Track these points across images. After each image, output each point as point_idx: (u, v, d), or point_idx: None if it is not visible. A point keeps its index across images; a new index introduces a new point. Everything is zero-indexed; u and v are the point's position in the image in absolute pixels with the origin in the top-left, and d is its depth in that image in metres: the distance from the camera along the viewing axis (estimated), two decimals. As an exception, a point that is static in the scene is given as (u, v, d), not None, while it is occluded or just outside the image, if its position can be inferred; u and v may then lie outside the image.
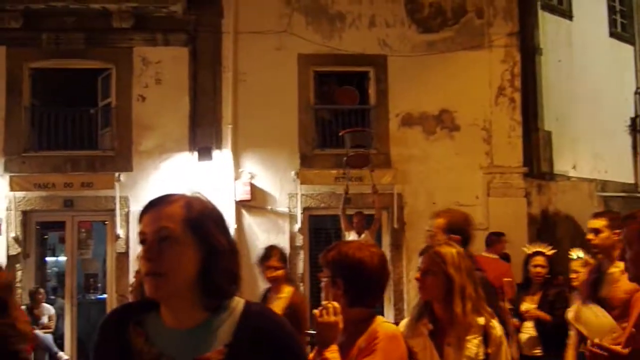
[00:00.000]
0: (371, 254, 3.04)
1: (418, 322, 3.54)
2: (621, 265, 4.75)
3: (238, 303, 2.07)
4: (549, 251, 7.31)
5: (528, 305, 7.10)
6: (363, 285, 3.00)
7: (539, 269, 7.21)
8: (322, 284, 3.12)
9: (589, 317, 3.75)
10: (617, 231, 4.85)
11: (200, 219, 2.00)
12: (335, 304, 2.84)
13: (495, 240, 9.78)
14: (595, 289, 4.93)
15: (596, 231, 4.96)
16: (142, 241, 2.00)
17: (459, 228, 4.37)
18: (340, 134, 11.52)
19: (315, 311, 2.86)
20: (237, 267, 2.07)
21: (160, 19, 12.24)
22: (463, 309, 3.39)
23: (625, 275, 4.65)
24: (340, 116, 12.63)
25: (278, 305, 6.03)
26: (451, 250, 3.54)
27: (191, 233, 1.98)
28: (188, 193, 2.09)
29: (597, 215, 5.16)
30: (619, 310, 4.68)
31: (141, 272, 2.00)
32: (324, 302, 2.89)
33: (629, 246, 2.89)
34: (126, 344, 2.02)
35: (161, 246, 1.96)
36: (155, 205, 2.04)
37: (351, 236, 10.81)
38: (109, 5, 11.84)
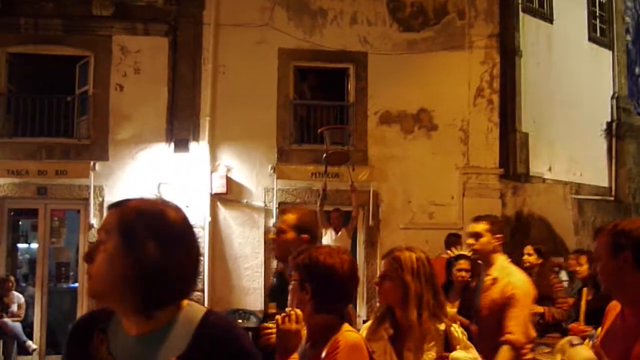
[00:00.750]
0: (342, 261, 3.03)
1: (380, 325, 3.55)
2: (493, 273, 4.75)
3: (197, 312, 2.01)
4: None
5: (449, 309, 7.15)
6: (331, 292, 3.00)
7: (462, 273, 7.23)
8: (289, 286, 3.12)
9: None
10: (498, 236, 4.83)
11: (132, 224, 1.94)
12: (298, 311, 2.84)
13: (454, 241, 9.86)
14: (475, 296, 4.94)
15: (477, 235, 4.84)
16: None
17: (308, 227, 4.19)
18: (319, 131, 11.53)
19: (278, 317, 2.86)
20: (180, 285, 1.98)
21: (141, 8, 12.14)
22: (419, 316, 3.39)
23: (495, 285, 4.65)
24: (319, 112, 12.63)
25: None
26: (411, 256, 3.52)
27: (121, 239, 1.92)
28: (150, 196, 2.07)
29: (478, 219, 5.01)
30: (484, 321, 4.68)
31: None
32: (287, 309, 2.88)
33: (598, 259, 2.92)
34: (91, 352, 2.01)
35: (98, 249, 1.95)
36: (111, 207, 2.03)
37: (327, 233, 10.83)
38: (89, -8, 11.73)
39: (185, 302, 2.02)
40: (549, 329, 7.43)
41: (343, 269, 3.01)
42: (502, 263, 4.78)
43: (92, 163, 11.75)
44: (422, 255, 3.58)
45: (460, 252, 7.47)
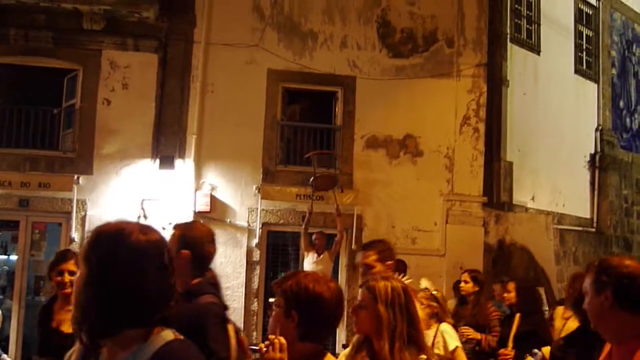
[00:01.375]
0: (330, 289, 3.01)
1: (357, 354, 3.52)
2: None
3: (159, 342, 1.99)
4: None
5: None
6: (318, 320, 2.98)
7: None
8: (272, 311, 3.10)
9: None
10: (389, 263, 4.73)
11: (92, 253, 2.01)
12: (282, 339, 2.82)
13: (401, 268, 9.82)
14: None
15: (367, 266, 4.65)
16: None
17: (192, 243, 3.89)
18: (306, 155, 11.56)
19: (262, 345, 2.84)
20: (132, 300, 1.96)
21: (132, 23, 12.14)
22: (391, 347, 3.36)
23: None
24: (306, 135, 12.66)
25: None
26: (386, 285, 3.49)
27: (86, 262, 2.00)
28: (129, 217, 2.11)
29: (366, 248, 4.85)
30: None
31: None
32: (271, 336, 2.87)
33: (586, 296, 2.94)
34: None
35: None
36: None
37: (309, 256, 10.82)
38: (81, 6, 11.72)
39: (157, 329, 2.00)
40: (485, 356, 7.45)
41: (331, 298, 3.00)
42: None
43: (75, 177, 11.69)
44: (398, 284, 3.54)
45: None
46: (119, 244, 2.00)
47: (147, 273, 1.98)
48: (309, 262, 10.74)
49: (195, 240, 3.95)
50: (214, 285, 3.98)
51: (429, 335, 5.82)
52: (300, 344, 2.93)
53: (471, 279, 8.09)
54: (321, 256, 10.82)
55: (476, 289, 8.02)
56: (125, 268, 1.96)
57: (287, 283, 3.03)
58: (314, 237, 10.94)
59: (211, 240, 4.06)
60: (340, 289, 3.13)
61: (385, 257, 4.68)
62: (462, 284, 8.15)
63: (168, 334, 2.01)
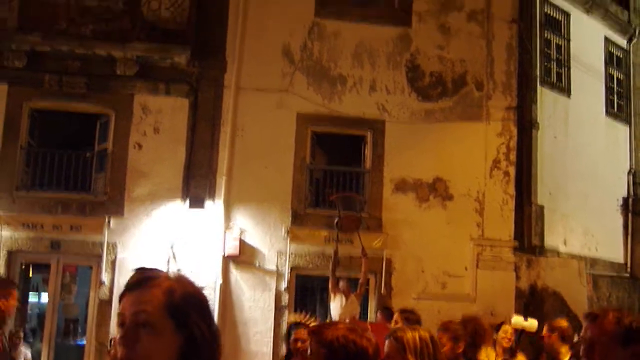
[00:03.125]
0: (372, 344, 3.00)
1: None
2: None
3: None
4: (311, 323, 7.10)
5: None
6: None
7: (299, 343, 6.69)
8: (309, 355, 3.07)
9: None
10: None
11: (182, 305, 1.93)
12: None
13: (386, 315, 9.61)
14: None
15: None
16: (121, 324, 1.92)
17: None
18: (330, 198, 11.57)
19: None
20: (217, 356, 1.99)
21: (164, 69, 12.32)
22: None
23: None
24: (335, 178, 12.67)
25: None
26: (414, 336, 3.46)
27: (171, 320, 1.90)
28: (172, 274, 2.05)
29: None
30: None
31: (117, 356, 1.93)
32: None
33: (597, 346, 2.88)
34: None
35: (138, 332, 1.88)
36: (137, 286, 1.97)
37: (337, 299, 10.70)
38: (115, 52, 11.94)
39: None
40: None
41: (373, 353, 2.98)
42: None
43: (106, 219, 11.78)
44: (426, 334, 3.51)
45: (299, 321, 7.22)
46: (204, 298, 2.04)
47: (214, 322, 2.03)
48: (336, 306, 10.62)
49: None
50: None
51: None
52: None
53: (403, 319, 7.45)
54: (349, 299, 10.70)
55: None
56: (209, 319, 2.01)
57: (328, 333, 3.00)
58: (341, 285, 10.82)
59: None
60: (378, 344, 3.10)
61: None
62: (393, 324, 7.47)
63: None
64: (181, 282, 2.01)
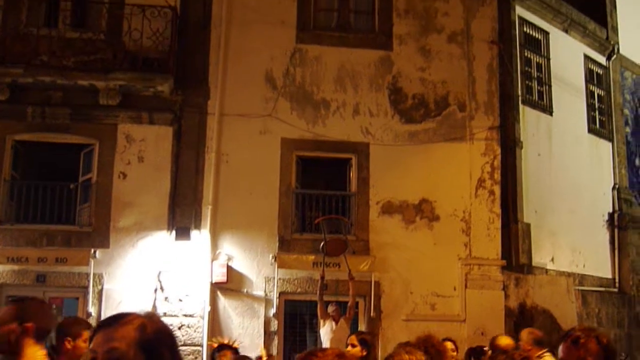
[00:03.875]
0: None
1: None
2: None
3: None
4: (236, 345, 7.06)
5: None
6: None
7: None
8: None
9: None
10: None
11: (153, 340, 2.00)
12: None
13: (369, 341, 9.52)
14: None
15: None
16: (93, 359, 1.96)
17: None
18: (315, 221, 11.58)
19: None
20: None
21: (147, 97, 12.32)
22: None
23: None
24: (321, 202, 12.67)
25: None
26: (410, 358, 3.48)
27: (143, 355, 1.97)
28: (143, 313, 2.08)
29: None
30: None
31: None
32: None
33: None
34: None
35: None
36: (109, 324, 2.02)
37: (326, 324, 10.69)
38: (97, 82, 11.92)
39: None
40: None
41: None
42: None
43: (92, 250, 11.71)
44: (422, 357, 3.53)
45: (223, 343, 7.15)
46: (171, 333, 2.18)
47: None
48: (326, 331, 10.61)
49: None
50: None
51: None
52: None
53: (359, 341, 7.20)
54: (338, 324, 10.67)
55: (364, 353, 7.08)
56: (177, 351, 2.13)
57: None
58: (330, 311, 10.79)
59: None
60: None
61: None
62: (349, 347, 7.22)
63: None
64: (152, 319, 2.07)
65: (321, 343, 10.55)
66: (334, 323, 10.72)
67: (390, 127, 12.97)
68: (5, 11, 12.03)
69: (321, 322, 10.84)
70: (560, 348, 3.13)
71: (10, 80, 11.78)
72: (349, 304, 10.89)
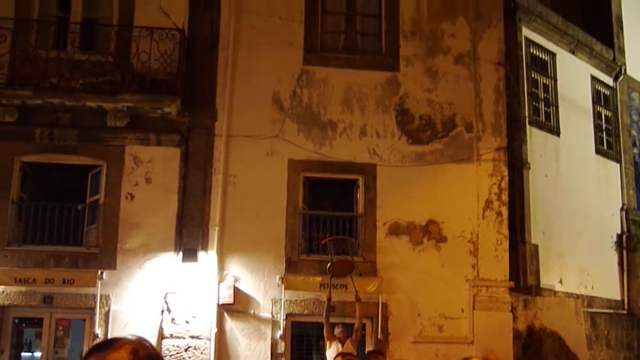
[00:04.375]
0: None
1: None
2: None
3: None
4: None
5: None
6: None
7: None
8: None
9: None
10: None
11: None
12: None
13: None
14: None
15: None
16: None
17: None
18: (322, 242, 11.56)
19: None
20: None
21: (154, 119, 12.37)
22: None
23: None
24: (328, 223, 12.65)
25: None
26: None
27: None
28: (133, 337, 2.09)
29: None
30: None
31: None
32: None
33: None
34: None
35: None
36: (101, 349, 2.01)
37: (332, 346, 10.62)
38: (105, 104, 11.99)
39: None
40: None
41: None
42: None
43: (99, 272, 11.71)
44: None
45: None
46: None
47: None
48: (333, 353, 10.52)
49: None
50: None
51: None
52: None
53: None
54: (345, 346, 10.60)
55: None
56: None
57: None
58: (336, 332, 10.73)
59: None
60: None
61: None
62: None
63: None
64: (142, 344, 2.07)
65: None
66: (340, 344, 10.65)
67: (397, 148, 12.98)
68: (15, 34, 12.11)
69: (327, 343, 10.78)
70: None
71: (19, 102, 11.86)
72: (355, 325, 10.84)
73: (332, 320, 10.89)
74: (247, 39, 12.95)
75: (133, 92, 11.99)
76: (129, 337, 2.07)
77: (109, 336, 11.29)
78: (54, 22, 12.79)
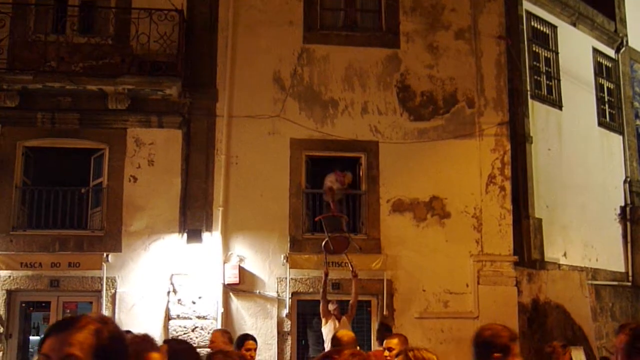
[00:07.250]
0: None
1: None
2: None
3: None
4: None
5: None
6: None
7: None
8: None
9: None
10: None
11: (108, 347, 1.98)
12: None
13: (385, 335, 9.57)
14: None
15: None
16: None
17: None
18: (316, 219, 11.59)
19: None
20: None
21: (156, 101, 12.35)
22: None
23: None
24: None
25: None
26: (427, 355, 3.52)
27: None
28: (96, 316, 2.06)
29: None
30: None
31: None
32: None
33: (617, 354, 2.92)
34: None
35: None
36: (63, 329, 1.99)
37: (329, 323, 10.53)
38: (106, 87, 11.97)
39: None
40: None
41: None
42: None
43: (105, 255, 11.75)
44: (434, 357, 3.57)
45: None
46: (124, 340, 2.13)
47: None
48: (329, 330, 10.42)
49: None
50: None
51: None
52: None
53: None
54: (340, 322, 10.54)
55: None
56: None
57: None
58: (330, 308, 10.68)
59: None
60: None
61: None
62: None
63: None
64: (106, 323, 2.06)
65: (323, 342, 10.49)
66: (336, 321, 10.61)
67: (399, 125, 12.95)
68: (14, 18, 12.07)
69: (323, 320, 10.71)
70: None
71: (19, 86, 11.85)
72: (350, 301, 10.79)
73: (336, 297, 10.93)
74: (246, 19, 12.89)
75: (133, 74, 11.96)
76: (92, 315, 2.05)
77: (117, 319, 11.37)
78: (53, 6, 12.73)
